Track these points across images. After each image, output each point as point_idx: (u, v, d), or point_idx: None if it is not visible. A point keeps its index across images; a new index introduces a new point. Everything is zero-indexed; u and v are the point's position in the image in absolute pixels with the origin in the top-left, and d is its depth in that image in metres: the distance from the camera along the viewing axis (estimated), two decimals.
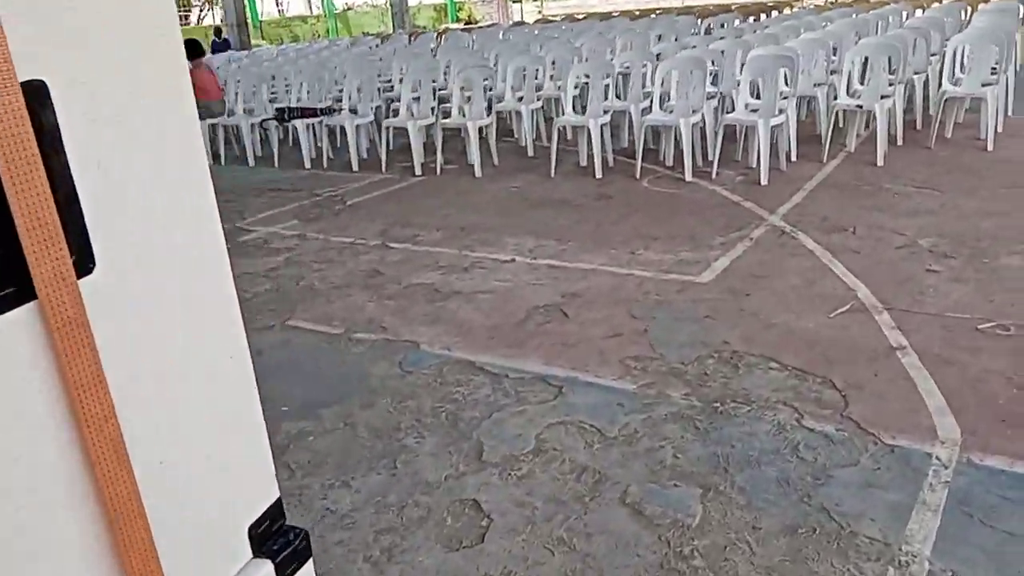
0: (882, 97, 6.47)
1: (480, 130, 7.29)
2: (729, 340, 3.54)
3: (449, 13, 33.14)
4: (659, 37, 10.07)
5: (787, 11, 14.52)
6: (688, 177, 6.19)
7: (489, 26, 18.18)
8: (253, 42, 22.35)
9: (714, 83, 7.26)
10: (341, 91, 8.38)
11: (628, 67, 7.61)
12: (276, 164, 8.17)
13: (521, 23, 17.50)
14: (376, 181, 7.16)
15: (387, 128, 7.68)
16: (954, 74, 7.05)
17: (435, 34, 14.39)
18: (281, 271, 4.93)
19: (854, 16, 10.04)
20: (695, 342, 3.55)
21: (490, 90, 8.52)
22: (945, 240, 4.54)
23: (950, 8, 10.80)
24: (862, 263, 4.31)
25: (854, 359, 3.31)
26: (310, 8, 33.56)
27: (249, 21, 25.39)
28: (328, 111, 8.20)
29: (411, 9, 29.08)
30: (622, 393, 3.16)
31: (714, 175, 6.21)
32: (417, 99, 7.79)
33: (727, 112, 6.71)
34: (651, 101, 6.70)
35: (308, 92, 8.88)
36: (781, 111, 6.21)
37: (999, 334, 3.43)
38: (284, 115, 8.13)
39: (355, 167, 7.62)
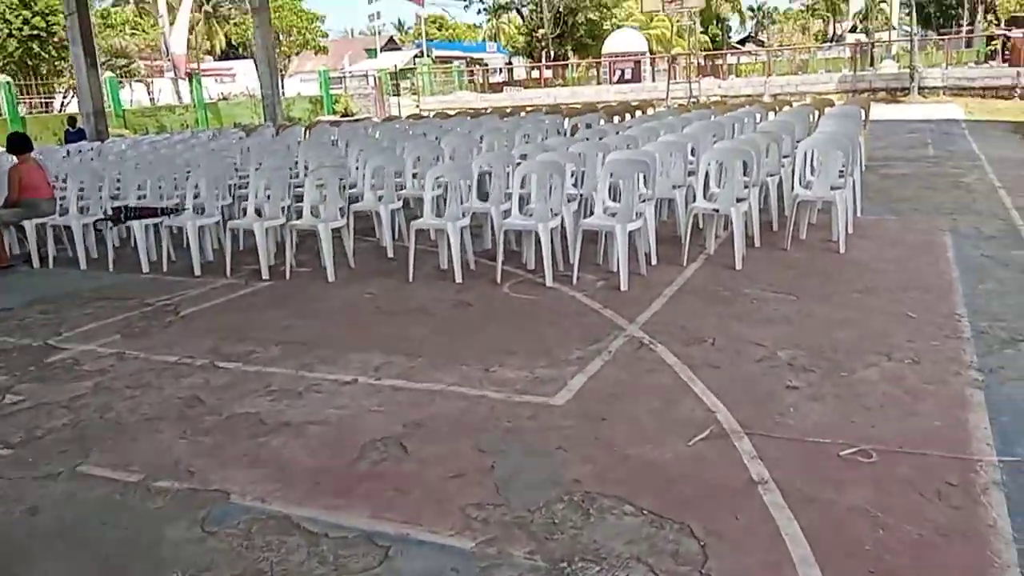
0: (738, 200, 6.52)
1: (337, 230, 6.90)
2: (581, 478, 3.19)
3: (325, 105, 32.97)
4: (526, 136, 10.07)
5: (650, 111, 15.06)
6: (548, 282, 5.96)
7: (360, 120, 18.03)
8: (115, 132, 21.29)
9: (576, 185, 7.18)
10: None
11: (491, 167, 7.44)
12: (111, 267, 7.46)
13: (392, 118, 17.41)
14: (218, 287, 6.58)
15: (232, 229, 7.16)
16: (804, 177, 7.24)
17: (303, 128, 14.01)
18: (86, 400, 4.29)
19: (712, 118, 10.37)
20: (544, 482, 3.19)
21: (350, 188, 8.17)
22: (803, 352, 4.42)
23: (799, 112, 11.36)
24: (721, 379, 4.10)
25: (714, 497, 3.02)
26: (178, 97, 32.63)
27: (111, 109, 24.36)
28: (172, 210, 7.62)
29: (286, 101, 28.71)
30: (458, 554, 2.74)
31: (574, 280, 6.00)
32: (268, 197, 7.34)
33: (588, 215, 6.59)
34: (511, 203, 6.51)
35: (154, 188, 8.27)
36: (639, 215, 6.12)
37: (861, 461, 3.24)
38: (120, 215, 7.47)
39: (197, 271, 7.01)
